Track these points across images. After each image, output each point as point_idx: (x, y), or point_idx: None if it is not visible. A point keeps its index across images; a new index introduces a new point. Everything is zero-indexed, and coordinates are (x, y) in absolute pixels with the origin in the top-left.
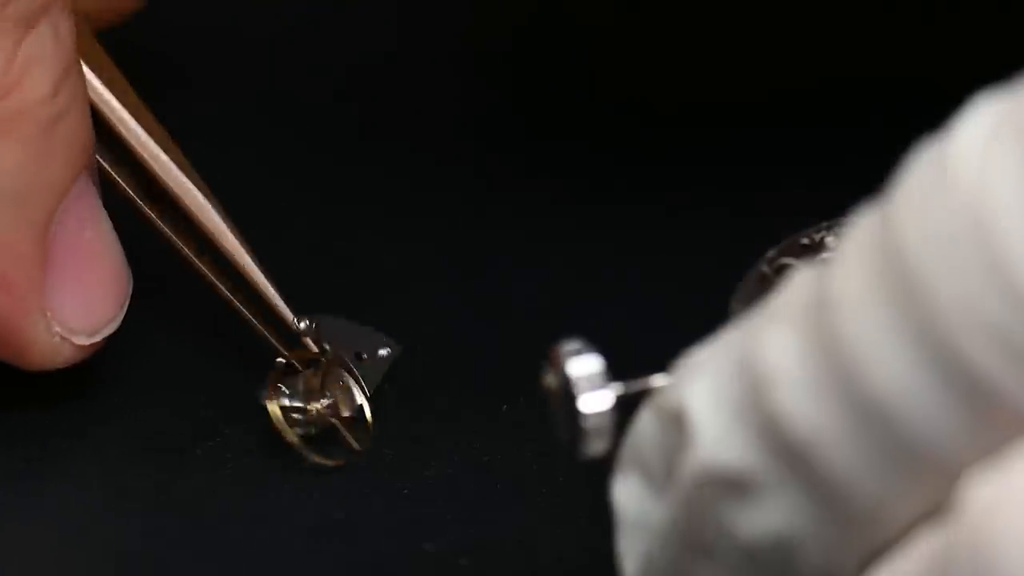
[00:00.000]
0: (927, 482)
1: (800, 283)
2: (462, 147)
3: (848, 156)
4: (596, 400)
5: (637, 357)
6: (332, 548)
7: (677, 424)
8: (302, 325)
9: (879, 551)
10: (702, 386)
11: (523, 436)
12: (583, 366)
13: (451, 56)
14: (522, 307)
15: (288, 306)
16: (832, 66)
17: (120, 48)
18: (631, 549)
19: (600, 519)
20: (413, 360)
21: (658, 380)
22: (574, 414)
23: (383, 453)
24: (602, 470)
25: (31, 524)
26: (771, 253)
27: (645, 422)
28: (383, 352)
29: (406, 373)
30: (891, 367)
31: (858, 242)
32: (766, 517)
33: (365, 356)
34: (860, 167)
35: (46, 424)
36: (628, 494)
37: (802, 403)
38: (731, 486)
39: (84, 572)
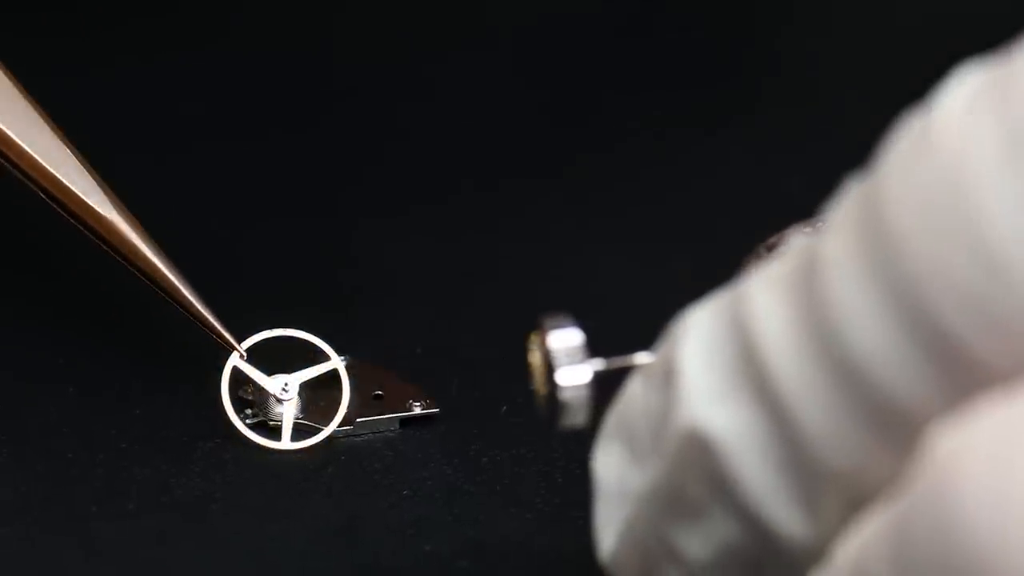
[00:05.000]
0: (901, 446)
1: (796, 248)
2: (462, 147)
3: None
4: (574, 373)
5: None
6: (332, 548)
7: (667, 380)
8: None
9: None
10: (693, 343)
11: (523, 436)
12: (563, 339)
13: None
14: (522, 306)
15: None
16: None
17: None
18: (610, 518)
19: None
20: (413, 360)
21: (640, 358)
22: (552, 386)
23: (383, 454)
24: None
25: (31, 525)
26: (771, 240)
27: (634, 389)
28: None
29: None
30: (868, 328)
31: (846, 207)
32: (751, 477)
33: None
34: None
35: (47, 423)
36: (609, 464)
37: (785, 360)
38: (716, 443)
39: (85, 572)
